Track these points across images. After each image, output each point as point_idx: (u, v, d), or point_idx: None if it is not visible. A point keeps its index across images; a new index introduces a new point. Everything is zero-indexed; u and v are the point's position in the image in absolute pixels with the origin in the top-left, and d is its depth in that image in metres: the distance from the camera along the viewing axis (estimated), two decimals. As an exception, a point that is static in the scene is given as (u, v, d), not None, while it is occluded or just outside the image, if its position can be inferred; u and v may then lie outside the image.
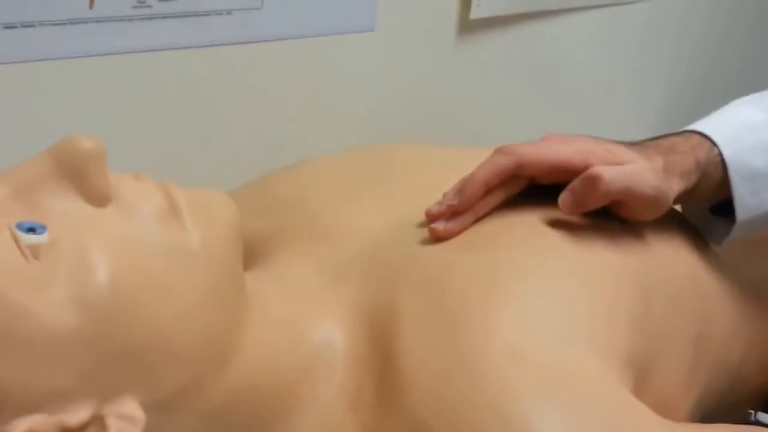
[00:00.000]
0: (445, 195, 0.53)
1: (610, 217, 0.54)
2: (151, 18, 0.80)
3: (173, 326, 0.42)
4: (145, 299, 0.41)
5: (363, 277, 0.51)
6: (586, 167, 0.51)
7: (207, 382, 0.44)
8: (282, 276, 0.53)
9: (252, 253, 0.55)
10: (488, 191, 0.52)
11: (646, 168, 0.52)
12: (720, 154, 0.54)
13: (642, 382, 0.49)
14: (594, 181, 0.50)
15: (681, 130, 0.57)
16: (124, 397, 0.41)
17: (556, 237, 0.52)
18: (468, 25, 1.05)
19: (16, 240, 0.39)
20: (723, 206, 0.58)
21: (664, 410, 0.48)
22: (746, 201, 0.55)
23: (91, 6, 0.76)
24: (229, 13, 0.85)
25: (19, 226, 0.39)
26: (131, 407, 0.41)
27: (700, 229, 0.61)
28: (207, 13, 0.84)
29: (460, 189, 0.52)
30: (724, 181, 0.55)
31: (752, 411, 0.65)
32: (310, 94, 0.96)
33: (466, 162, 0.54)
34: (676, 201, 0.56)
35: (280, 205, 0.61)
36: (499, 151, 0.52)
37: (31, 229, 0.39)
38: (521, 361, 0.43)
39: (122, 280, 0.40)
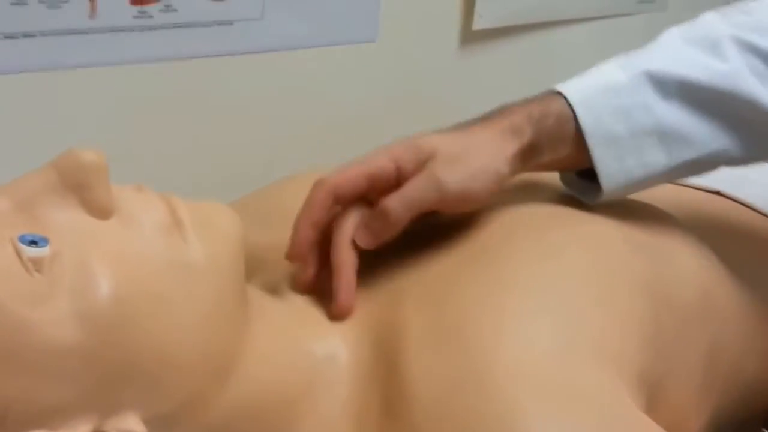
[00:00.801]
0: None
1: (617, 231, 0.54)
2: (152, 28, 0.80)
3: (175, 340, 0.41)
4: (146, 313, 0.40)
5: (367, 290, 0.51)
6: (398, 170, 0.51)
7: (208, 396, 0.43)
8: (283, 288, 0.53)
9: (252, 265, 0.55)
10: (322, 229, 0.52)
11: (443, 164, 0.51)
12: (573, 113, 0.52)
13: (653, 400, 0.48)
14: (383, 215, 0.51)
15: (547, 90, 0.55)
16: (125, 412, 0.41)
17: (564, 247, 0.51)
18: (470, 36, 1.06)
19: (19, 253, 0.39)
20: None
21: (675, 428, 0.47)
22: (609, 166, 0.53)
23: (92, 16, 0.76)
24: (230, 23, 0.85)
25: (21, 239, 0.39)
26: (133, 422, 0.41)
27: (573, 192, 0.58)
28: (208, 24, 0.84)
29: (290, 238, 0.52)
30: (585, 148, 0.53)
31: (766, 429, 0.65)
32: (311, 104, 0.96)
33: None
34: (528, 165, 0.54)
35: (280, 216, 0.60)
36: (314, 185, 0.52)
37: (33, 242, 0.39)
38: (528, 375, 0.43)
39: (124, 294, 0.40)
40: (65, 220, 0.41)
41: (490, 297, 0.47)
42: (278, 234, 0.58)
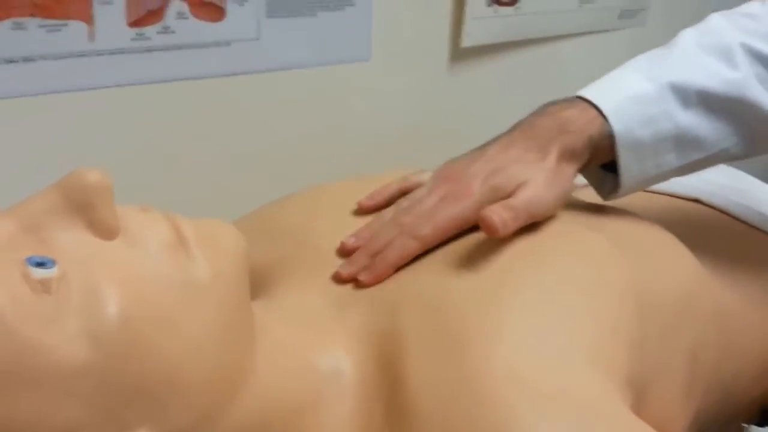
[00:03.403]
0: (358, 236, 0.57)
1: (606, 237, 0.55)
2: (150, 50, 0.81)
3: (183, 359, 0.41)
4: (154, 332, 0.40)
5: (368, 303, 0.52)
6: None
7: (216, 414, 0.43)
8: (287, 305, 0.53)
9: (255, 283, 0.54)
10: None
11: (540, 183, 0.56)
12: (610, 128, 0.58)
13: (640, 403, 0.49)
14: (492, 232, 0.53)
15: (575, 95, 0.60)
16: (135, 431, 0.40)
17: (560, 255, 0.52)
18: (459, 54, 1.07)
19: (27, 275, 0.38)
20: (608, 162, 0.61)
21: (662, 431, 0.48)
22: (631, 168, 0.59)
23: (90, 39, 0.77)
24: (227, 44, 0.86)
25: (29, 261, 0.39)
26: None
27: (591, 184, 0.64)
28: (205, 45, 0.85)
29: (370, 266, 0.54)
30: (611, 149, 0.58)
31: (746, 425, 0.66)
32: (307, 123, 0.96)
33: None
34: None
35: (281, 234, 0.61)
36: (406, 233, 0.55)
37: (41, 264, 0.39)
38: (521, 382, 0.43)
39: (132, 313, 0.40)
40: (71, 241, 0.41)
41: (483, 303, 0.48)
42: (276, 253, 0.59)
